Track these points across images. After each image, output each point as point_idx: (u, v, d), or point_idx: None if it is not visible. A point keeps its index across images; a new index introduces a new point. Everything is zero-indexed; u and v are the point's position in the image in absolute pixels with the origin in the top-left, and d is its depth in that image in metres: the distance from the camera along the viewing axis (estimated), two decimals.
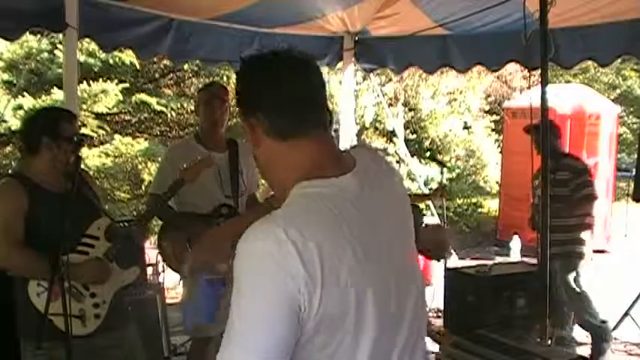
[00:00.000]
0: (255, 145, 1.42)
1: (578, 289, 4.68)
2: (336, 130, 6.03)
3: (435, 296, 5.19)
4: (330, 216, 1.29)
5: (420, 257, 5.24)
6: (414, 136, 12.81)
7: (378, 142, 11.66)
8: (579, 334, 5.10)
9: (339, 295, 1.26)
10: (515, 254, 7.95)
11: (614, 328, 4.88)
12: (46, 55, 9.08)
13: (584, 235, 4.76)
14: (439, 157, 11.80)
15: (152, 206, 3.48)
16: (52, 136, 2.70)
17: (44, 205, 2.67)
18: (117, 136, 9.63)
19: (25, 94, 8.70)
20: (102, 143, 9.60)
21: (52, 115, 2.85)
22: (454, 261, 7.85)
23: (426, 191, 7.58)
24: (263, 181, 3.87)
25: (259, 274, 1.24)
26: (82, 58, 8.42)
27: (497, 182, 11.75)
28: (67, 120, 2.76)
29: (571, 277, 4.70)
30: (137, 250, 3.03)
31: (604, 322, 4.84)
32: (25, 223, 2.65)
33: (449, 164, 12.21)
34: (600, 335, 4.66)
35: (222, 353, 1.25)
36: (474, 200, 12.53)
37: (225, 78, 11.81)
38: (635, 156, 6.96)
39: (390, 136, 11.65)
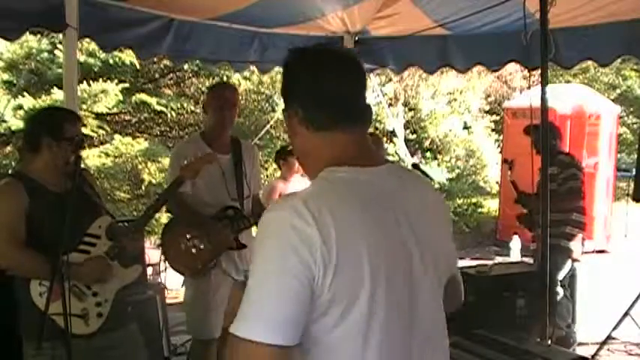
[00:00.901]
0: (292, 134, 1.49)
1: (560, 292, 4.70)
2: None
3: None
4: (350, 197, 1.35)
5: None
6: (414, 136, 12.82)
7: None
8: (580, 334, 5.11)
9: (352, 270, 1.29)
10: (515, 254, 7.94)
11: (614, 328, 4.88)
12: (46, 55, 9.09)
13: (571, 230, 4.77)
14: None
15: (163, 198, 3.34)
16: (53, 137, 2.70)
17: (45, 204, 2.66)
18: (117, 136, 9.64)
19: (25, 94, 8.71)
20: (102, 143, 9.61)
21: (55, 115, 2.85)
22: None
23: None
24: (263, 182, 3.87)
25: (280, 242, 1.28)
26: (82, 58, 8.43)
27: (497, 182, 11.75)
28: (70, 121, 2.76)
29: (560, 274, 4.71)
30: (139, 248, 3.01)
31: (569, 326, 4.87)
32: (26, 223, 2.65)
33: (448, 164, 12.22)
34: (562, 339, 4.68)
35: (238, 322, 1.27)
36: (473, 200, 12.53)
37: (225, 78, 11.82)
38: (635, 156, 6.95)
39: (390, 136, 11.66)
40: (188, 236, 3.56)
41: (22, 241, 2.65)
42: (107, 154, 9.19)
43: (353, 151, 1.43)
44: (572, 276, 4.97)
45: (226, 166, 3.67)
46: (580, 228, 4.92)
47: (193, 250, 3.56)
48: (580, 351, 4.53)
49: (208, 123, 3.79)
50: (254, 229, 3.74)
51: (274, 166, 11.44)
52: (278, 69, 6.20)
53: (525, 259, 6.77)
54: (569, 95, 9.88)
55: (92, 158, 8.80)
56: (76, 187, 2.57)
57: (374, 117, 12.10)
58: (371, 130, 10.40)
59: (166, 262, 3.73)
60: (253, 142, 8.60)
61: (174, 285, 6.45)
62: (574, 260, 4.91)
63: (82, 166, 2.76)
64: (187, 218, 3.61)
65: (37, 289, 2.65)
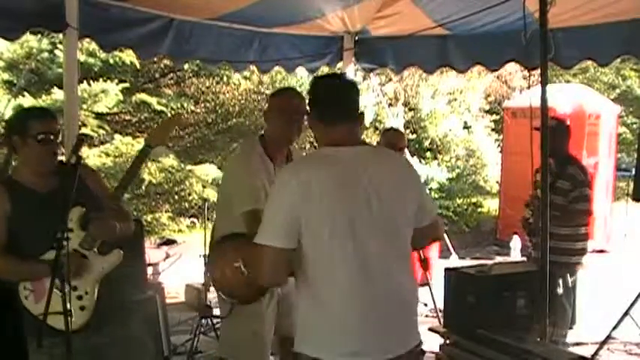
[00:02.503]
0: (310, 126, 2.40)
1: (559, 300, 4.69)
2: None
3: (435, 296, 5.19)
4: (324, 163, 2.26)
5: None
6: (414, 136, 12.82)
7: None
8: (579, 334, 5.11)
9: (320, 203, 2.15)
10: (515, 254, 7.94)
11: (614, 328, 4.88)
12: (46, 55, 9.09)
13: (578, 245, 4.75)
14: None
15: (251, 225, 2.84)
16: (20, 135, 2.68)
17: (26, 207, 2.65)
18: (117, 136, 9.63)
19: (25, 94, 8.71)
20: (102, 143, 9.61)
21: (20, 113, 2.83)
22: (454, 261, 7.85)
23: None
24: None
25: (278, 189, 2.27)
26: (82, 58, 8.42)
27: (497, 182, 11.75)
28: (36, 118, 2.69)
29: (560, 283, 4.69)
30: (111, 229, 2.80)
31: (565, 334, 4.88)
32: (7, 225, 2.65)
33: (448, 164, 12.21)
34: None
35: (257, 236, 2.18)
36: (473, 200, 12.53)
37: (225, 78, 11.83)
38: (635, 156, 6.95)
39: None
40: (237, 262, 2.93)
41: (2, 245, 2.65)
42: (107, 154, 9.19)
43: (341, 138, 2.28)
44: (570, 277, 4.96)
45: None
46: (586, 239, 4.90)
47: (246, 276, 2.95)
48: (580, 351, 4.52)
49: (272, 132, 3.32)
50: None
51: None
52: (278, 69, 6.20)
53: (525, 259, 6.77)
54: (569, 95, 9.87)
55: (92, 158, 8.79)
56: (75, 186, 2.55)
57: (374, 117, 12.10)
58: (371, 130, 10.33)
59: (215, 288, 3.11)
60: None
61: (174, 285, 6.46)
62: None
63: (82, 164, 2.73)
64: (232, 240, 3.09)
65: (23, 292, 2.67)
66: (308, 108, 2.40)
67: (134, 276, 4.21)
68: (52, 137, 2.68)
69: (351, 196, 2.19)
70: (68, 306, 2.49)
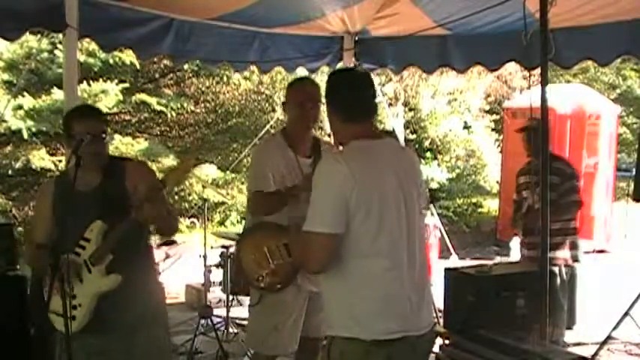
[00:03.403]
0: (330, 121, 2.53)
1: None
2: None
3: (435, 296, 5.19)
4: (362, 154, 2.40)
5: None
6: (414, 136, 12.82)
7: None
8: (579, 334, 5.11)
9: (367, 191, 2.31)
10: (515, 254, 7.94)
11: (614, 328, 4.88)
12: (46, 55, 9.09)
13: (568, 239, 4.76)
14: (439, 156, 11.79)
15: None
16: (68, 135, 2.77)
17: (66, 203, 2.70)
18: (117, 136, 9.64)
19: (25, 94, 8.71)
20: None
21: (68, 114, 2.87)
22: (454, 261, 7.85)
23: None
24: None
25: (327, 177, 2.36)
26: (82, 58, 8.42)
27: (497, 182, 11.75)
28: (77, 119, 2.75)
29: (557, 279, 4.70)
30: (130, 256, 2.84)
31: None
32: (52, 222, 2.76)
33: (448, 164, 12.21)
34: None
35: (306, 223, 2.32)
36: (473, 200, 12.54)
37: (225, 78, 11.83)
38: (635, 156, 6.95)
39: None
40: (264, 250, 3.25)
41: (36, 241, 2.78)
42: None
43: (363, 133, 2.44)
44: (572, 276, 4.96)
45: (308, 171, 3.29)
46: (576, 234, 4.91)
47: (272, 266, 3.25)
48: (580, 351, 4.52)
49: (289, 121, 3.51)
50: None
51: None
52: (278, 69, 6.20)
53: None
54: (569, 95, 9.87)
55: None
56: (74, 186, 2.58)
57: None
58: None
59: (243, 279, 3.37)
60: (253, 142, 8.63)
61: (174, 285, 6.46)
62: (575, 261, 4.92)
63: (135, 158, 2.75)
64: (264, 228, 3.33)
65: (45, 287, 2.69)
66: (326, 103, 2.53)
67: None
68: (93, 137, 2.68)
69: (389, 182, 2.39)
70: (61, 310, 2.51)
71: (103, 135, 2.77)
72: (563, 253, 4.73)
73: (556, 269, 4.68)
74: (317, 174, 2.39)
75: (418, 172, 2.64)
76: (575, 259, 4.85)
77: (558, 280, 4.70)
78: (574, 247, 4.84)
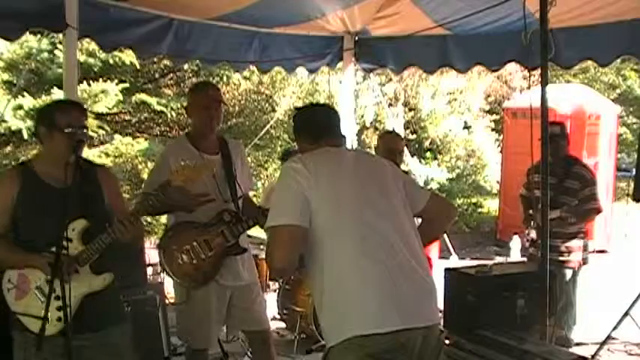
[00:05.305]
0: (299, 149, 2.69)
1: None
2: None
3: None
4: (321, 156, 2.53)
5: None
6: (414, 136, 12.81)
7: None
8: (580, 334, 5.10)
9: (324, 190, 2.39)
10: (515, 254, 7.94)
11: (614, 328, 4.88)
12: (46, 55, 9.07)
13: (580, 242, 4.85)
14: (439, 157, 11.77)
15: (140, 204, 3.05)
16: (47, 127, 2.68)
17: (33, 196, 2.65)
18: (117, 136, 9.62)
19: (25, 94, 8.68)
20: (102, 143, 9.60)
21: (49, 105, 2.84)
22: (454, 261, 7.85)
23: None
24: (259, 185, 3.72)
25: (287, 177, 2.45)
26: (82, 58, 8.41)
27: (497, 182, 11.75)
28: (62, 111, 2.70)
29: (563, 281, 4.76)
30: (117, 256, 2.77)
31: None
32: (11, 211, 2.66)
33: (448, 164, 12.19)
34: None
35: (269, 220, 2.38)
36: (473, 200, 12.53)
37: (225, 78, 11.81)
38: (635, 156, 6.94)
39: None
40: (187, 247, 3.42)
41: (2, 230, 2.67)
42: (107, 154, 9.18)
43: (327, 145, 2.60)
44: (572, 275, 4.98)
45: (217, 168, 3.51)
46: (586, 237, 5.04)
47: (194, 262, 3.41)
48: (580, 351, 4.52)
49: (194, 124, 3.67)
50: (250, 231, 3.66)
51: (274, 165, 11.45)
52: (278, 69, 6.20)
53: (525, 259, 6.77)
54: (569, 95, 9.87)
55: (92, 158, 8.77)
56: (74, 186, 2.56)
57: (374, 117, 12.07)
58: (371, 130, 10.29)
59: (169, 275, 3.50)
60: (253, 142, 8.63)
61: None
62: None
63: (100, 163, 2.72)
64: (183, 227, 3.47)
65: (6, 285, 2.66)
66: (294, 137, 2.76)
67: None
68: (78, 131, 2.66)
69: (351, 180, 2.47)
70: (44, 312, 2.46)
71: (85, 129, 2.73)
72: (578, 256, 4.83)
73: (570, 272, 4.86)
74: (279, 175, 2.53)
75: (393, 172, 2.63)
76: (585, 262, 4.93)
77: (571, 282, 4.80)
78: (585, 249, 4.93)
